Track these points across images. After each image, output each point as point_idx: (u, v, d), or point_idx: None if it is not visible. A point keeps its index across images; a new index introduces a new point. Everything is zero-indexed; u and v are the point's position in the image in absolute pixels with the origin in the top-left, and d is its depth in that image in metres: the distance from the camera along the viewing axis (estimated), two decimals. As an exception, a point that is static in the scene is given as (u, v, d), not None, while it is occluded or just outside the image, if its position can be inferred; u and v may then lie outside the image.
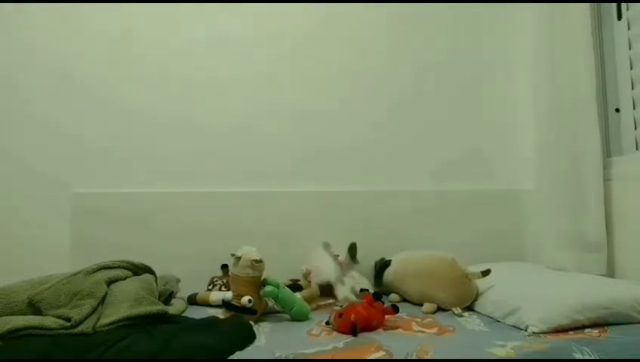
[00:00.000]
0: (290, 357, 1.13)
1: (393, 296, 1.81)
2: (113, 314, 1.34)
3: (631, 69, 1.90)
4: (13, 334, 1.23)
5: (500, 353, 1.15)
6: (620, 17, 1.94)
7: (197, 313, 1.54)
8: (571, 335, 1.26)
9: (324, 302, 1.74)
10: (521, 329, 1.34)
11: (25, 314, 1.34)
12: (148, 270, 1.65)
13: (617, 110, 1.96)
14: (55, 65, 1.96)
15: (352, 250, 2.00)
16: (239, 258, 1.53)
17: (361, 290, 1.75)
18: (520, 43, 2.33)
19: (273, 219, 2.05)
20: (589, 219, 1.81)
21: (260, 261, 1.52)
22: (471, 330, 1.38)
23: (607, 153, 1.97)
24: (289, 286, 1.79)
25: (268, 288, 1.49)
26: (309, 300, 1.65)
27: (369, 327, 1.36)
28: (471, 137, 2.34)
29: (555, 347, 1.17)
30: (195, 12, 2.10)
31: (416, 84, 2.31)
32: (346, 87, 2.22)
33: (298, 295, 1.63)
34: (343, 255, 1.98)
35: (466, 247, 2.16)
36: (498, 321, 1.45)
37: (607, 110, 2.00)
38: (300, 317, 1.51)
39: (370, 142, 2.23)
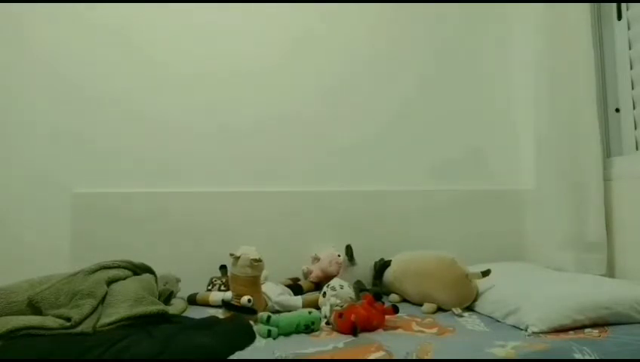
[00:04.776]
0: (290, 357, 1.13)
1: (393, 296, 1.81)
2: (113, 313, 1.34)
3: (631, 68, 1.90)
4: (14, 334, 1.22)
5: (500, 353, 1.15)
6: (619, 17, 1.94)
7: (197, 313, 1.54)
8: (571, 335, 1.26)
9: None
10: (521, 329, 1.34)
11: (25, 314, 1.34)
12: (148, 270, 1.65)
13: (617, 110, 1.96)
14: (54, 66, 1.96)
15: (349, 251, 2.00)
16: (238, 257, 1.52)
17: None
18: (520, 43, 2.33)
19: (273, 219, 2.05)
20: (589, 219, 1.82)
21: (259, 260, 1.52)
22: (471, 330, 1.38)
23: (607, 153, 1.97)
24: (289, 285, 1.79)
25: (262, 330, 1.31)
26: (311, 304, 1.59)
27: (369, 327, 1.36)
28: (471, 137, 2.35)
29: (555, 347, 1.18)
30: (197, 13, 2.10)
31: (417, 85, 2.31)
32: (346, 88, 2.22)
33: (299, 299, 1.62)
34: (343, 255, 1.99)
35: (466, 247, 2.16)
36: (498, 321, 1.45)
37: (607, 110, 2.00)
38: (314, 329, 1.37)
39: (370, 142, 2.23)
